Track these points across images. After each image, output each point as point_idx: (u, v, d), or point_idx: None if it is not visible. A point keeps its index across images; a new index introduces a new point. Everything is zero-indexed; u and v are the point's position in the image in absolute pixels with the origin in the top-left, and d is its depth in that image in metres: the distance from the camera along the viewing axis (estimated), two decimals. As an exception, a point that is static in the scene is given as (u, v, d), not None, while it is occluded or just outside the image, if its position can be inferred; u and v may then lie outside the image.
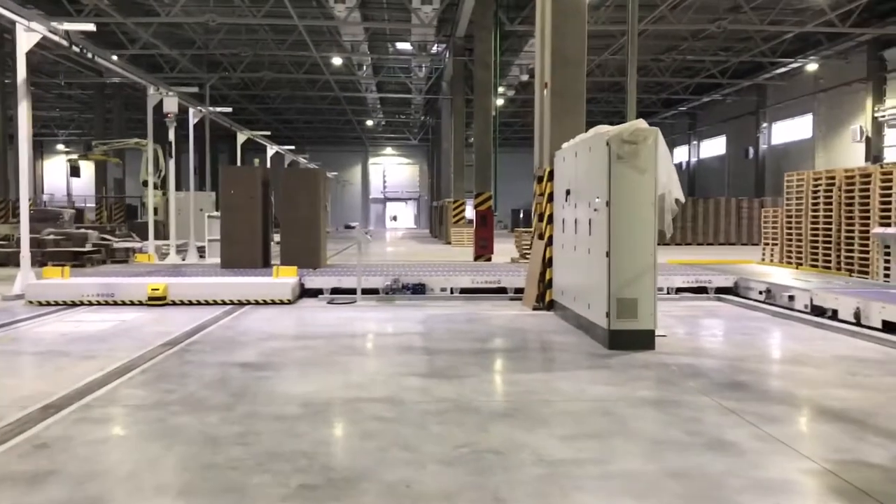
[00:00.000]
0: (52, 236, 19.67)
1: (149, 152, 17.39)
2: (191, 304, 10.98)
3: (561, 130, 10.20)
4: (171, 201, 16.77)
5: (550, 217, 10.30)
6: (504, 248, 23.19)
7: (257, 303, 11.07)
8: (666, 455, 4.24)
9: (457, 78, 30.52)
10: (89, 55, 12.84)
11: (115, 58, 16.51)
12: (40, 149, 59.07)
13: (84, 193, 50.59)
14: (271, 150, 31.77)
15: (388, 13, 27.63)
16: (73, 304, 10.84)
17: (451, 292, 12.08)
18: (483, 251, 20.54)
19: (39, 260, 18.25)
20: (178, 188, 35.25)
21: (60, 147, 59.03)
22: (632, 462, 4.15)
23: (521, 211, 53.04)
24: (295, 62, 34.43)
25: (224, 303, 11.02)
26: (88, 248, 19.49)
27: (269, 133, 27.96)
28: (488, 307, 10.93)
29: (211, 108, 21.15)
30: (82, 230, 21.86)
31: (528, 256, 20.00)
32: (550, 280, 10.33)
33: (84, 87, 39.02)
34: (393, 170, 67.14)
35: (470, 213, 27.17)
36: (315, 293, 11.99)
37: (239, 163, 27.14)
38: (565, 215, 9.30)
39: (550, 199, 10.30)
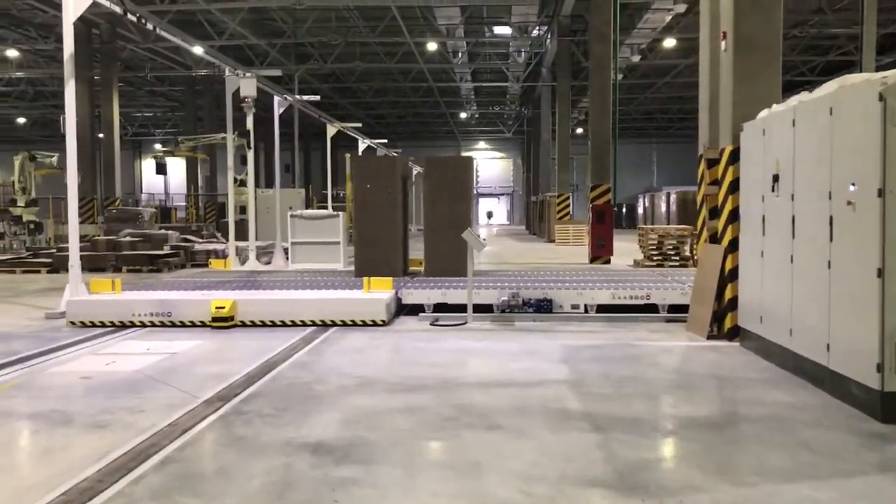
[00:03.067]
0: (128, 238, 18.12)
1: (228, 144, 15.46)
2: (263, 325, 8.81)
3: (749, 95, 7.46)
4: (251, 197, 14.82)
5: (734, 213, 7.57)
6: (621, 248, 20.38)
7: (344, 324, 8.80)
8: None
9: (562, 61, 27.75)
10: (149, 26, 10.87)
11: (189, 44, 14.62)
12: (139, 148, 59.46)
13: (182, 191, 50.33)
14: (363, 144, 29.85)
15: (486, -9, 25.16)
16: (123, 326, 8.84)
17: (586, 310, 9.51)
18: (601, 252, 17.90)
19: (114, 264, 16.73)
20: (268, 185, 33.92)
21: (158, 146, 59.25)
22: None
23: (624, 206, 49.71)
24: (387, 52, 32.39)
25: (304, 324, 8.80)
26: (167, 250, 17.85)
27: (359, 125, 25.97)
28: (643, 334, 8.29)
29: (297, 97, 19.12)
30: (163, 231, 20.33)
31: (655, 258, 17.20)
32: (733, 299, 7.62)
33: (173, 82, 38.17)
34: (485, 164, 64.58)
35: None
36: (415, 310, 9.64)
37: (329, 158, 25.20)
38: (769, 211, 6.58)
39: (734, 188, 7.57)
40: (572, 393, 5.60)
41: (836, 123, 5.28)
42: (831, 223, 5.33)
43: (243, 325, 8.85)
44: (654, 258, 16.78)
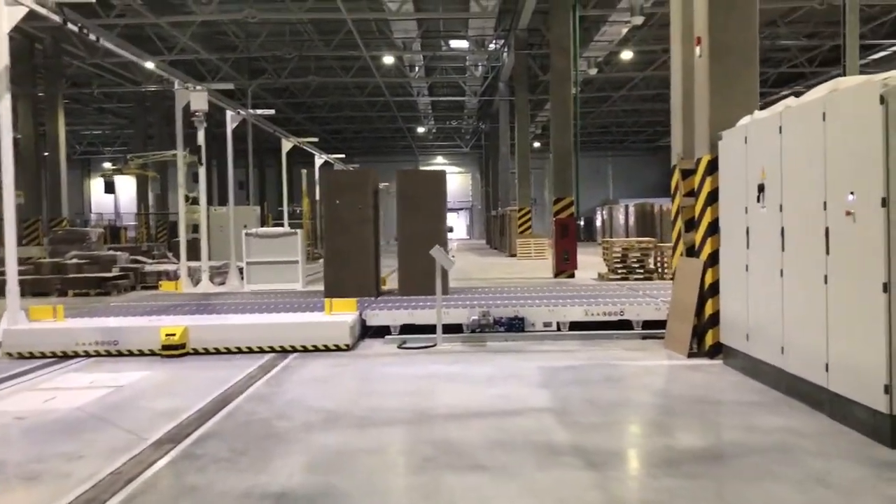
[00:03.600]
0: (74, 260, 17.27)
1: (179, 160, 14.79)
2: (218, 353, 8.24)
3: (726, 102, 7.18)
4: (203, 215, 14.17)
5: (713, 225, 7.27)
6: (584, 261, 20.13)
7: (305, 350, 8.27)
8: None
9: (519, 74, 27.59)
10: (92, 37, 10.24)
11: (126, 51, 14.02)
12: (87, 166, 57.78)
13: (133, 211, 48.90)
14: (319, 159, 29.25)
15: (443, 4, 24.84)
16: (66, 357, 8.18)
17: (559, 328, 9.13)
18: (565, 266, 17.63)
19: (59, 288, 15.90)
20: (221, 203, 32.99)
21: (107, 165, 57.67)
22: None
23: (583, 219, 49.76)
24: (343, 66, 31.89)
25: (262, 350, 8.25)
26: (116, 272, 17.04)
27: (315, 140, 25.37)
28: (620, 352, 7.93)
29: (250, 111, 18.52)
30: (111, 252, 19.47)
31: (619, 271, 16.96)
32: (714, 315, 7.30)
33: (122, 98, 37.12)
34: (444, 179, 64.33)
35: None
36: (381, 332, 9.16)
37: (285, 175, 24.54)
38: (754, 222, 6.27)
39: (712, 199, 7.27)
40: (557, 423, 5.18)
41: (831, 129, 4.98)
42: (827, 235, 5.02)
43: (196, 353, 8.27)
44: (619, 271, 16.55)
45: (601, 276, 16.86)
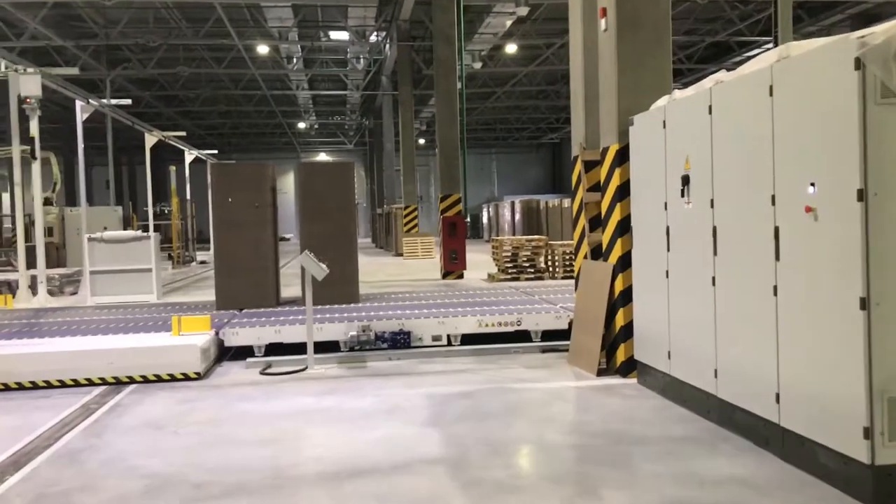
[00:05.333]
0: None
1: (14, 155, 12.73)
2: (35, 387, 6.65)
3: (637, 83, 6.25)
4: (38, 219, 12.16)
5: (624, 224, 6.32)
6: (472, 260, 19.25)
7: (146, 380, 6.80)
8: None
9: (402, 67, 26.47)
10: None
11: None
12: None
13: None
14: (189, 155, 27.10)
15: (321, -9, 23.34)
16: None
17: (449, 342, 8.02)
18: (454, 266, 16.65)
19: None
20: (79, 203, 30.09)
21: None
22: None
23: (468, 216, 49.25)
24: (215, 56, 29.74)
25: (91, 383, 6.73)
26: (-60, 284, 14.69)
27: (183, 134, 23.27)
28: (520, 371, 6.88)
29: (104, 101, 16.48)
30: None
31: (510, 271, 16.09)
32: (626, 327, 6.36)
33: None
34: (327, 177, 62.43)
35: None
36: (243, 353, 7.79)
37: (149, 172, 22.36)
38: (677, 221, 5.34)
39: (623, 194, 6.32)
40: (454, 483, 4.03)
41: (781, 105, 4.06)
42: (777, 236, 4.11)
43: (7, 388, 6.65)
44: (510, 271, 15.71)
45: (491, 277, 15.96)
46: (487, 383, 6.40)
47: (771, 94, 4.12)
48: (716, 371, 4.83)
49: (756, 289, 4.32)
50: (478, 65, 30.42)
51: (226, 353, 7.84)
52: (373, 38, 27.65)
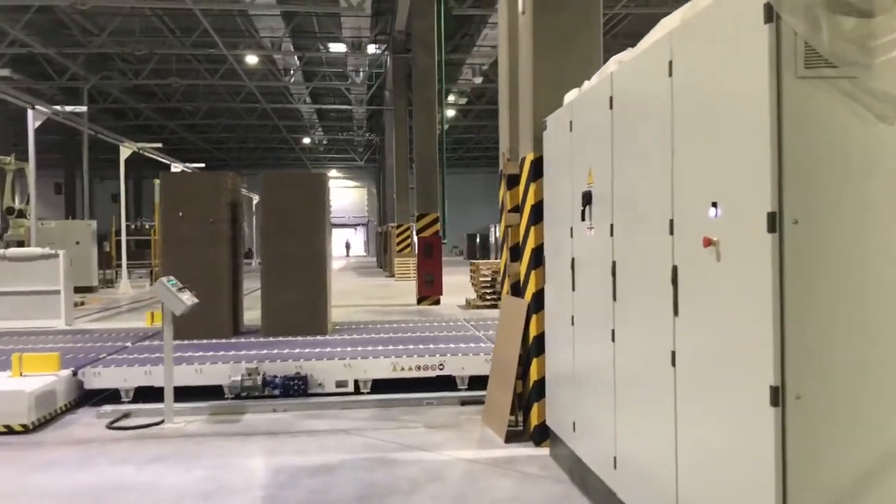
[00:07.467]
0: None
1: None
2: None
3: (557, 76, 4.96)
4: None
5: (538, 253, 5.01)
6: (457, 284, 17.96)
7: (-36, 433, 5.59)
8: None
9: (397, 80, 25.35)
10: None
11: None
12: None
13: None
14: (175, 168, 26.06)
15: (311, 1, 22.26)
16: None
17: (357, 389, 6.73)
18: (429, 291, 15.33)
19: None
20: (69, 216, 29.24)
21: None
22: None
23: (478, 236, 48.04)
24: (208, 68, 28.85)
25: None
26: None
27: (159, 145, 22.22)
28: (419, 433, 5.55)
29: (59, 108, 15.45)
30: None
31: (488, 297, 14.76)
32: (540, 382, 5.03)
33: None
34: (339, 193, 61.49)
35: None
36: (110, 396, 6.56)
37: (123, 189, 21.32)
38: (581, 250, 4.04)
39: (537, 216, 5.02)
40: None
41: (682, 89, 2.76)
42: (675, 280, 2.79)
43: None
44: (488, 297, 14.39)
45: (469, 304, 14.67)
46: (366, 451, 5.09)
47: (670, 74, 2.82)
48: (615, 460, 3.49)
49: (654, 352, 3.00)
50: (479, 80, 29.25)
51: (87, 399, 6.60)
52: (372, 49, 26.61)
